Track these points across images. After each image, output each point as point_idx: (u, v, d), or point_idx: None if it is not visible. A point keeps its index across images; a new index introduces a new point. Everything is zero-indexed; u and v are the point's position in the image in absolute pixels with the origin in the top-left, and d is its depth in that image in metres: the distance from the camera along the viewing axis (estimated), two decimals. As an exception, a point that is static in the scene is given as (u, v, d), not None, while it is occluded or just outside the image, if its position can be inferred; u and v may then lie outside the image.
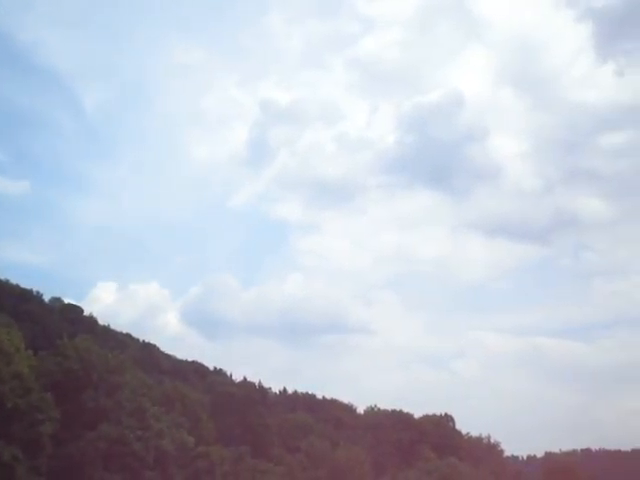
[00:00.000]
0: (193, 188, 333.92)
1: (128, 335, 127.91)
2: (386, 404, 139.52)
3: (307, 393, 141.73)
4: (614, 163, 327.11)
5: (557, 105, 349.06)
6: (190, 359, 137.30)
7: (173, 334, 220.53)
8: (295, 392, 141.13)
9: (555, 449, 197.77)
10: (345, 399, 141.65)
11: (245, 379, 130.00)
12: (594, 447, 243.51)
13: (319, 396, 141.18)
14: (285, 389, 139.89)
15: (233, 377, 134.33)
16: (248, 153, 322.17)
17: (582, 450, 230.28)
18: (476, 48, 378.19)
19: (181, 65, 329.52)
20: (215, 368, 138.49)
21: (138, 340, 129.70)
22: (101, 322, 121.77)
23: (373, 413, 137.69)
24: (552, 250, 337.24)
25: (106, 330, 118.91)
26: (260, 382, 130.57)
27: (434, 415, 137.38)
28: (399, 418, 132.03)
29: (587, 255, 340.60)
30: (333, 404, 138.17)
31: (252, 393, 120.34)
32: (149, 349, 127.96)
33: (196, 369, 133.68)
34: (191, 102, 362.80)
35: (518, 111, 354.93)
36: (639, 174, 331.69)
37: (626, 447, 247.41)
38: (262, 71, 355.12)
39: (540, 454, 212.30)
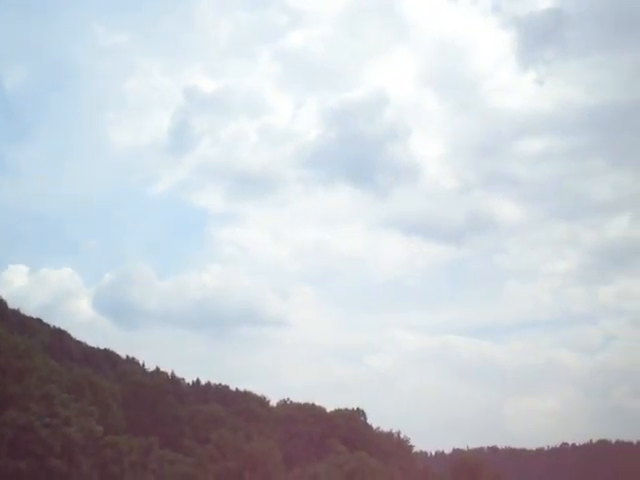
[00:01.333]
0: (113, 173, 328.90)
1: (38, 320, 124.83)
2: (299, 397, 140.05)
3: (220, 385, 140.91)
4: (531, 169, 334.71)
5: (478, 110, 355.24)
6: (102, 347, 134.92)
7: (85, 321, 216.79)
8: (208, 383, 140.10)
9: (463, 446, 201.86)
10: (259, 392, 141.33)
11: (158, 369, 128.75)
12: (501, 445, 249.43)
13: (232, 388, 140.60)
14: (198, 380, 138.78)
15: (146, 367, 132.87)
16: (170, 140, 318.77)
17: (489, 448, 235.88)
18: (402, 49, 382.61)
19: (105, 48, 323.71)
20: (127, 357, 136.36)
21: (48, 325, 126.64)
22: (10, 306, 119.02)
23: (286, 406, 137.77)
24: (467, 251, 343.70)
25: (15, 314, 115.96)
26: (173, 372, 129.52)
27: (346, 409, 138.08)
28: (311, 412, 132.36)
29: (500, 257, 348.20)
30: (246, 396, 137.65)
31: (164, 383, 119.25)
32: (60, 335, 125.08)
33: (108, 357, 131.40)
34: (114, 86, 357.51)
35: (440, 113, 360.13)
36: (554, 180, 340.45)
37: (531, 446, 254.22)
38: (188, 58, 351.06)
39: (448, 451, 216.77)
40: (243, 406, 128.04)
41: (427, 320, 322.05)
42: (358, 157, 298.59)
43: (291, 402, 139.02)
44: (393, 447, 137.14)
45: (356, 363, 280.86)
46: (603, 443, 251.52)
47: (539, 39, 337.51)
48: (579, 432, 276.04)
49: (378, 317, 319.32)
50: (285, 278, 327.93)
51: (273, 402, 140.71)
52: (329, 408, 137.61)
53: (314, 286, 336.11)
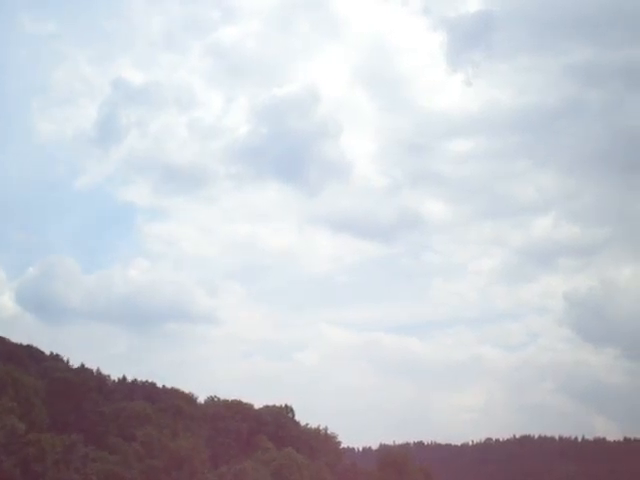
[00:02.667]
0: (37, 164, 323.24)
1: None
2: (227, 394, 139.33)
3: (147, 382, 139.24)
4: (458, 168, 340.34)
5: (408, 109, 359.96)
6: (25, 343, 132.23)
7: (7, 316, 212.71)
8: (134, 380, 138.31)
9: (390, 442, 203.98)
10: (186, 389, 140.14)
11: (83, 366, 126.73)
12: (426, 440, 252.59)
13: (159, 385, 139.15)
14: (124, 377, 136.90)
15: (70, 363, 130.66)
16: (97, 132, 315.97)
17: (415, 443, 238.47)
18: (333, 46, 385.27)
19: (31, 37, 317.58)
20: (52, 353, 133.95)
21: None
22: None
23: (213, 403, 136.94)
24: (395, 249, 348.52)
25: None
26: (98, 369, 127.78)
27: (274, 406, 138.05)
28: (239, 408, 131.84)
29: (428, 255, 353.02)
30: (173, 393, 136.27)
31: (89, 380, 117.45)
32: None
33: (31, 354, 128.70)
34: (39, 75, 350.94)
35: (371, 111, 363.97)
36: (481, 180, 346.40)
37: (456, 441, 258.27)
38: (117, 50, 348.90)
39: (375, 446, 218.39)
40: (170, 403, 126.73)
41: (356, 317, 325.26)
42: (289, 153, 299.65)
43: (219, 399, 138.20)
44: (320, 443, 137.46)
45: (285, 360, 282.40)
46: (526, 438, 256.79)
47: (468, 41, 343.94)
48: (503, 427, 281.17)
49: (307, 314, 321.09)
50: (214, 274, 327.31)
51: (201, 399, 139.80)
52: (257, 405, 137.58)
53: (244, 282, 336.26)
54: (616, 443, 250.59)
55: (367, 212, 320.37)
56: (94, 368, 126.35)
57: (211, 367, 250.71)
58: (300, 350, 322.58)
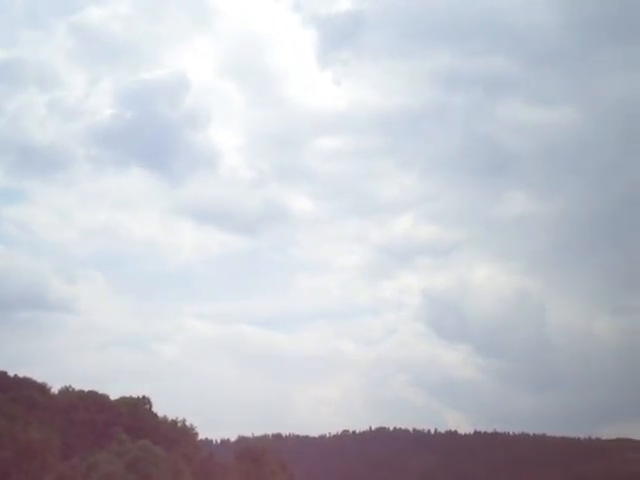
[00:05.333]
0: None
1: None
2: (84, 385, 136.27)
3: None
4: (325, 165, 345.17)
5: (277, 104, 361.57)
6: None
7: None
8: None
9: (248, 434, 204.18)
10: (40, 378, 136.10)
11: None
12: (285, 432, 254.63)
13: (11, 374, 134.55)
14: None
15: None
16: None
17: (273, 435, 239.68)
18: (205, 36, 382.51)
19: None
20: None
21: None
22: None
23: (68, 394, 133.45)
24: (260, 242, 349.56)
25: None
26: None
27: (131, 397, 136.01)
28: (94, 399, 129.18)
29: (293, 250, 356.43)
30: (25, 383, 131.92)
31: None
32: None
33: None
34: None
35: (240, 104, 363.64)
36: (346, 178, 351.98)
37: (314, 433, 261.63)
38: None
39: (234, 438, 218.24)
40: (22, 393, 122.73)
41: (219, 309, 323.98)
42: (154, 140, 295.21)
43: (74, 389, 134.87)
44: (178, 435, 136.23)
45: (145, 351, 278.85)
46: (381, 430, 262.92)
47: (338, 40, 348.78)
48: (360, 419, 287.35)
49: (169, 305, 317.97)
50: (73, 262, 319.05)
51: (55, 389, 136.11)
52: (114, 396, 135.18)
53: (104, 271, 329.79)
54: (467, 436, 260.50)
55: (233, 205, 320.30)
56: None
57: (67, 357, 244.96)
58: (161, 341, 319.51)
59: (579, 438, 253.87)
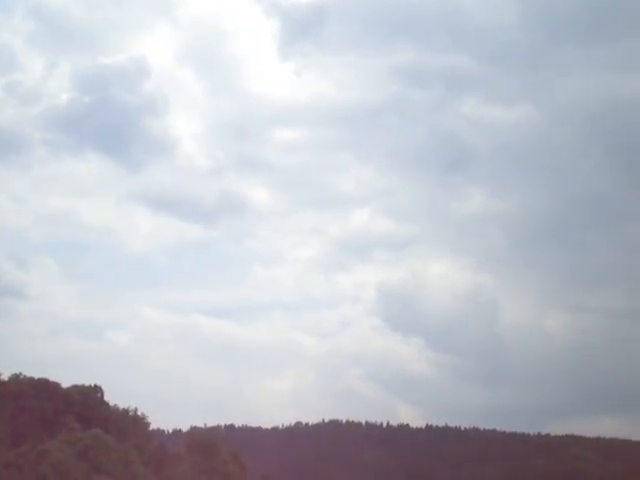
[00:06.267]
0: None
1: None
2: (34, 372, 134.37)
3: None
4: (283, 157, 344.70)
5: (237, 93, 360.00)
6: None
7: None
8: None
9: (200, 424, 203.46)
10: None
11: None
12: (237, 423, 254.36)
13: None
14: None
15: None
16: None
17: (226, 426, 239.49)
18: (165, 22, 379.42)
19: None
20: None
21: None
22: None
23: (18, 381, 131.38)
24: (216, 232, 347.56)
25: None
26: None
27: (82, 385, 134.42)
28: (44, 387, 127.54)
29: (249, 241, 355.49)
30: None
31: None
32: None
33: None
34: None
35: (198, 92, 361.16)
36: (304, 170, 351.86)
37: (267, 425, 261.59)
38: None
39: (186, 428, 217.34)
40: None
41: (173, 298, 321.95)
42: (112, 126, 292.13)
43: (25, 377, 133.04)
44: (129, 424, 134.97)
45: (97, 339, 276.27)
46: (334, 422, 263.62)
47: (299, 31, 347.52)
48: (313, 411, 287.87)
49: (123, 293, 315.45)
50: (25, 247, 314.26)
51: (4, 376, 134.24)
52: (65, 384, 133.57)
53: (58, 257, 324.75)
54: (418, 429, 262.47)
55: (189, 193, 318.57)
56: None
57: (17, 343, 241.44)
58: (114, 329, 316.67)
59: (529, 434, 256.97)
